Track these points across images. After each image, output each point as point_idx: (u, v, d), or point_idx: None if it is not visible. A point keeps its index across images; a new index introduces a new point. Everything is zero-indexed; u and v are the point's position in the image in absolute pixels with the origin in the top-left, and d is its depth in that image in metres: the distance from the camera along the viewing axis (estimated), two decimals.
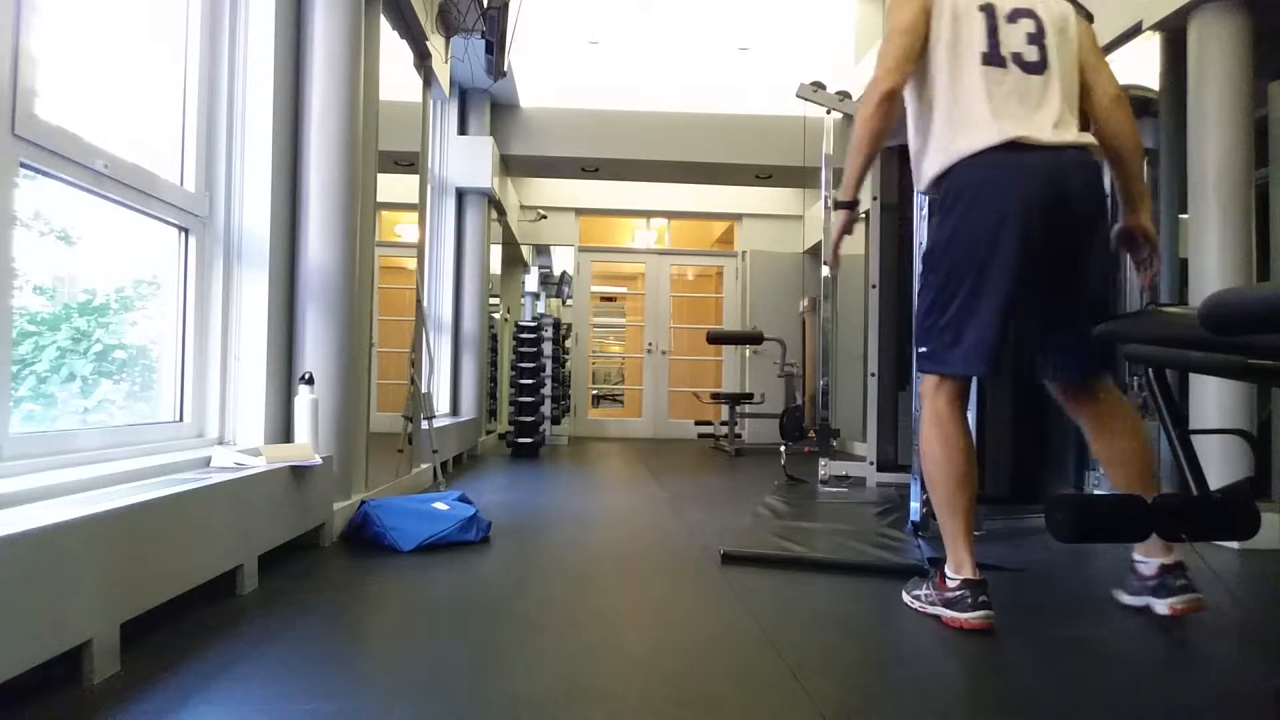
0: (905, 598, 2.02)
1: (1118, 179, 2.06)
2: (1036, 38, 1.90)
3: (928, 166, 1.97)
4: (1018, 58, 1.88)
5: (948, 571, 1.90)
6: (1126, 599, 2.01)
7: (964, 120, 1.88)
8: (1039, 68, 1.89)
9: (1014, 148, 1.84)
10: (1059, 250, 1.87)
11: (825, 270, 5.24)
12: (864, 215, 5.32)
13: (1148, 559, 1.93)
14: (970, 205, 1.87)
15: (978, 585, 1.84)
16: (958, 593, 1.85)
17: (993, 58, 1.88)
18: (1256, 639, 1.91)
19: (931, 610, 1.91)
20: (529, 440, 6.21)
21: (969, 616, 1.81)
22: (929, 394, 1.97)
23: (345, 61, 2.76)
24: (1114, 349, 1.94)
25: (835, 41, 6.81)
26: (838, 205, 2.03)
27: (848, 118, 5.91)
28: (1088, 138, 1.93)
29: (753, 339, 7.75)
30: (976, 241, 1.85)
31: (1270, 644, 1.85)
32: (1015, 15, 1.90)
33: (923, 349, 1.97)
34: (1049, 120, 1.86)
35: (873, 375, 4.62)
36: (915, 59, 1.92)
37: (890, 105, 1.91)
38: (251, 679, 1.45)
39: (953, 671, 1.61)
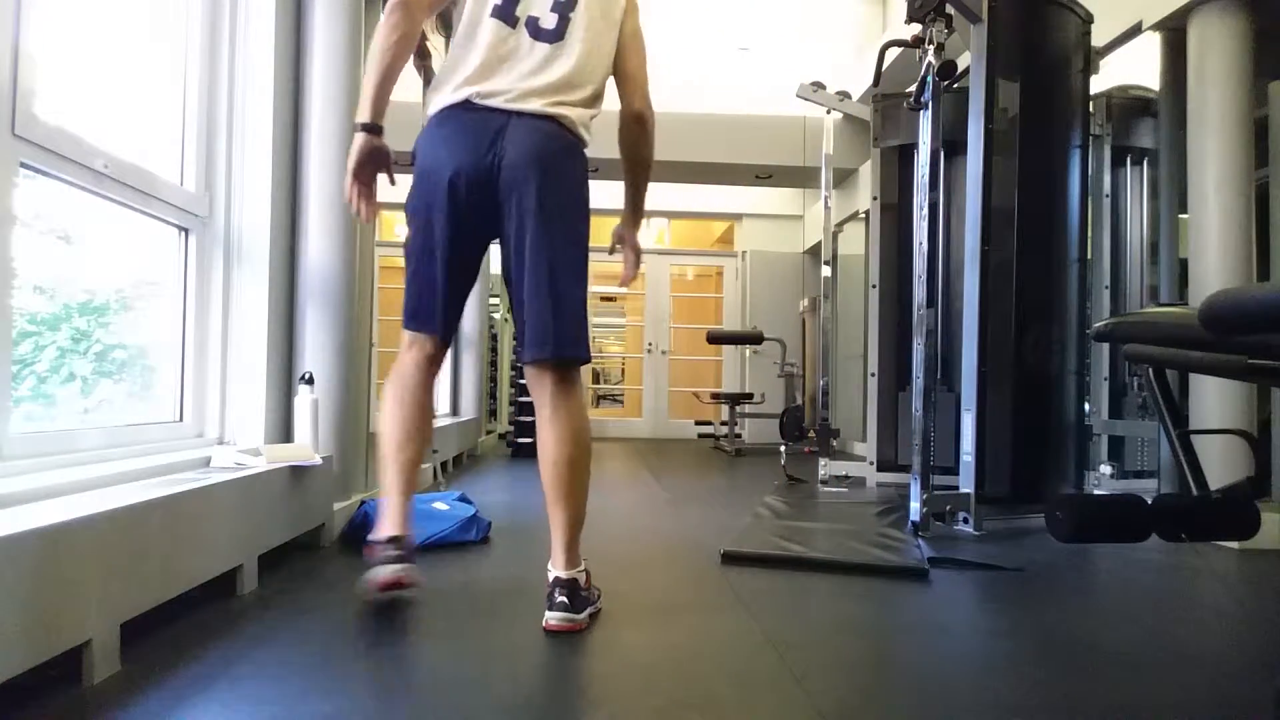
0: None
1: (625, 187, 2.09)
2: (562, 6, 1.83)
3: None
4: (533, 22, 1.81)
5: (372, 536, 1.85)
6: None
7: (451, 74, 1.81)
8: (553, 36, 1.82)
9: (466, 106, 1.78)
10: (490, 217, 1.80)
11: (825, 270, 5.24)
12: (864, 215, 5.33)
13: (551, 569, 1.84)
14: (419, 162, 1.83)
15: (389, 541, 1.79)
16: (376, 553, 1.80)
17: (504, 14, 1.80)
18: (1256, 639, 1.91)
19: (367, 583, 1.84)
20: (529, 440, 6.21)
21: (375, 574, 1.76)
22: (401, 349, 1.91)
23: (345, 61, 2.76)
24: (560, 342, 1.79)
25: (835, 41, 6.82)
26: (356, 128, 1.80)
27: (848, 118, 5.93)
28: (565, 110, 1.81)
29: (753, 339, 7.75)
30: (420, 201, 1.82)
31: (1270, 644, 1.85)
32: None
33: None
34: (530, 86, 1.78)
35: (873, 375, 4.63)
36: None
37: (402, 16, 1.76)
38: (251, 679, 1.45)
39: (952, 671, 1.61)
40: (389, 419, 1.88)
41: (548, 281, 1.78)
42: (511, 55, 1.80)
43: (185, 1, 2.39)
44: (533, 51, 1.81)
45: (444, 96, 1.81)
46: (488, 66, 1.79)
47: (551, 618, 1.77)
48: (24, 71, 1.63)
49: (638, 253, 2.13)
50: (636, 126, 2.00)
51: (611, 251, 2.16)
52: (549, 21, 1.82)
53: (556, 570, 1.82)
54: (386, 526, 1.82)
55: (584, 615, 1.82)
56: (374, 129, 1.80)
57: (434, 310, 1.85)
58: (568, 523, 1.84)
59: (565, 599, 1.78)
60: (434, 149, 1.80)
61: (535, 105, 1.79)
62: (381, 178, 1.89)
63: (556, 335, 1.79)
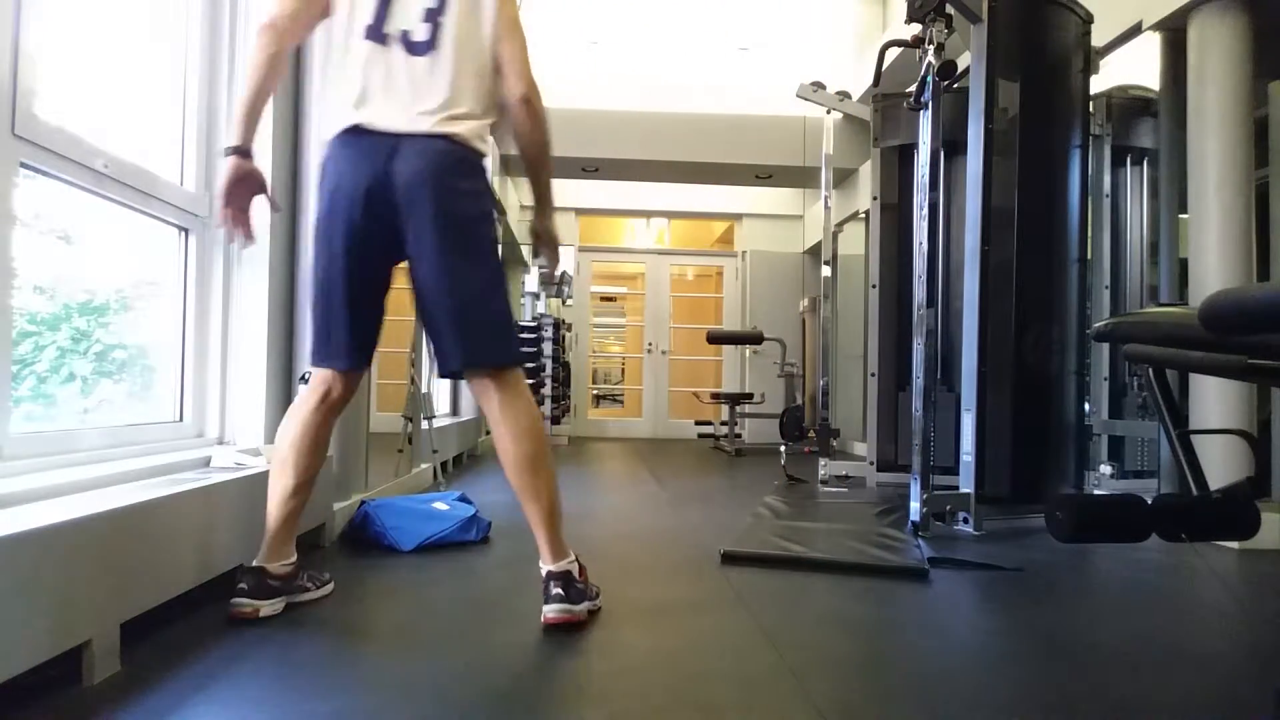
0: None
1: (528, 177, 1.99)
2: (434, 14, 1.79)
3: None
4: (405, 36, 1.78)
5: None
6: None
7: (335, 99, 1.80)
8: (425, 48, 1.78)
9: (356, 132, 1.77)
10: (393, 241, 1.79)
11: (825, 270, 5.24)
12: (864, 215, 5.33)
13: (542, 565, 1.85)
14: (320, 191, 1.82)
15: (244, 570, 1.82)
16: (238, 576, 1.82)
17: (376, 33, 1.77)
18: (1256, 639, 1.91)
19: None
20: None
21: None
22: (308, 386, 1.91)
23: None
24: (472, 350, 1.81)
25: (835, 41, 6.82)
26: (225, 153, 1.78)
27: (848, 118, 5.93)
28: (455, 127, 1.78)
29: (753, 339, 7.76)
30: (318, 229, 1.82)
31: (1270, 644, 1.85)
32: None
33: None
34: (415, 106, 1.76)
35: (873, 375, 4.63)
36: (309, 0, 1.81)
37: (270, 37, 1.76)
38: (251, 679, 1.45)
39: (952, 671, 1.61)
40: (277, 446, 1.89)
41: (454, 294, 1.79)
42: (388, 76, 1.78)
43: (185, 1, 2.39)
44: (409, 68, 1.78)
45: (333, 122, 1.81)
46: (368, 91, 1.78)
47: (549, 611, 1.78)
48: (24, 71, 1.63)
49: (554, 245, 2.04)
50: (520, 111, 1.87)
51: (535, 254, 2.09)
52: (421, 33, 1.78)
53: (546, 565, 1.84)
54: (259, 555, 1.84)
55: (582, 607, 1.82)
56: (243, 152, 1.78)
57: (339, 341, 1.83)
58: (544, 516, 1.84)
59: (560, 590, 1.79)
60: (332, 173, 1.80)
61: (424, 125, 1.77)
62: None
63: (468, 344, 1.81)
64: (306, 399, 1.89)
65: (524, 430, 1.84)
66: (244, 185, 1.79)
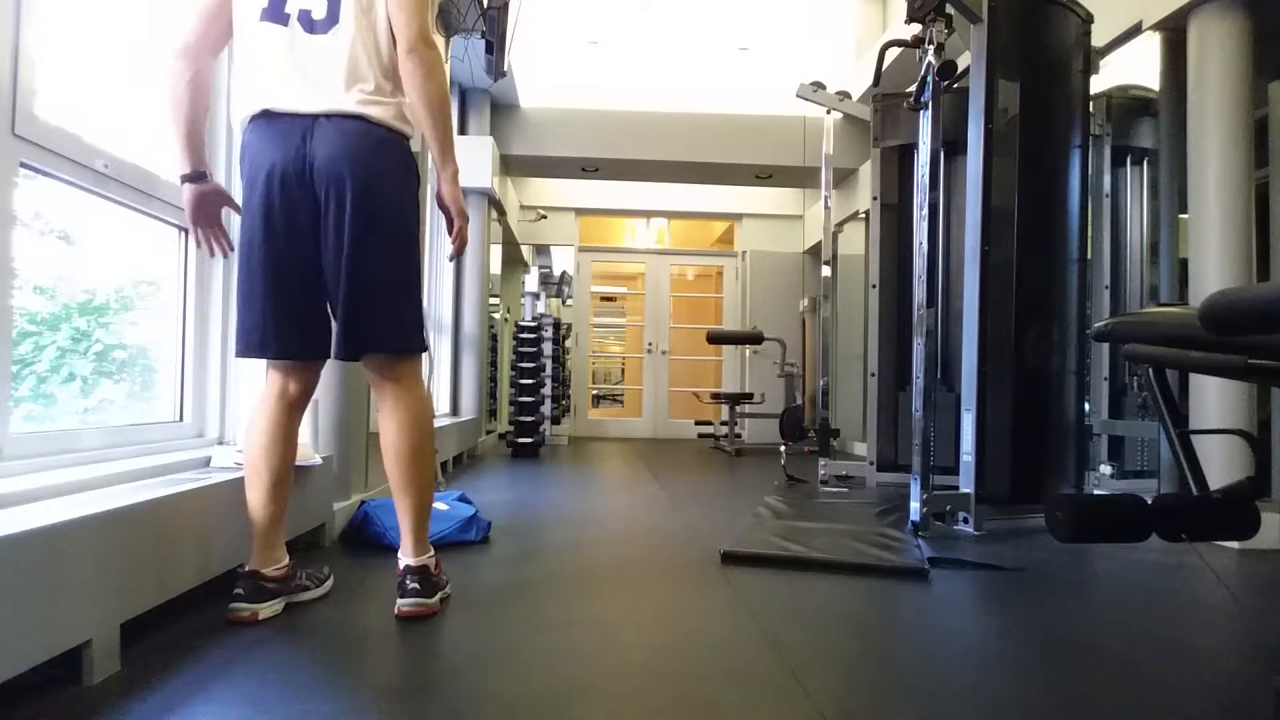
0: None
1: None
2: None
3: None
4: (304, 15, 1.75)
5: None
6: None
7: (242, 87, 1.79)
8: (325, 25, 1.75)
9: (267, 116, 1.76)
10: (314, 224, 1.77)
11: (825, 270, 5.24)
12: (864, 215, 5.33)
13: (401, 557, 1.87)
14: (242, 178, 1.81)
15: (239, 576, 1.81)
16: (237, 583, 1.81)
17: (274, 14, 1.75)
18: (1256, 639, 1.91)
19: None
20: (529, 440, 6.22)
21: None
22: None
23: None
24: (386, 336, 1.81)
25: (835, 41, 6.82)
26: (180, 179, 1.81)
27: (848, 118, 5.93)
28: (373, 108, 1.76)
29: (753, 339, 7.76)
30: (243, 217, 1.81)
31: (1270, 644, 1.85)
32: None
33: None
34: (322, 85, 1.74)
35: (873, 375, 4.63)
36: (215, 14, 1.80)
37: (185, 62, 1.77)
38: (251, 679, 1.45)
39: (952, 671, 1.61)
40: (245, 450, 1.89)
41: (365, 278, 1.77)
42: (291, 57, 1.75)
43: (185, 1, 2.38)
44: (311, 47, 1.75)
45: (245, 109, 1.80)
46: (273, 74, 1.76)
47: (404, 604, 1.82)
48: (24, 71, 1.63)
49: (454, 209, 1.89)
50: (408, 61, 1.77)
51: (449, 229, 1.95)
52: (320, 10, 1.76)
53: (406, 558, 1.86)
54: (251, 560, 1.85)
55: (435, 600, 1.87)
56: (197, 177, 1.80)
57: (272, 328, 1.81)
58: (413, 509, 1.86)
59: (417, 584, 1.83)
60: (250, 158, 1.79)
61: (338, 105, 1.75)
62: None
63: (373, 330, 1.81)
64: (265, 399, 1.88)
65: (412, 421, 1.85)
66: (207, 204, 1.84)
